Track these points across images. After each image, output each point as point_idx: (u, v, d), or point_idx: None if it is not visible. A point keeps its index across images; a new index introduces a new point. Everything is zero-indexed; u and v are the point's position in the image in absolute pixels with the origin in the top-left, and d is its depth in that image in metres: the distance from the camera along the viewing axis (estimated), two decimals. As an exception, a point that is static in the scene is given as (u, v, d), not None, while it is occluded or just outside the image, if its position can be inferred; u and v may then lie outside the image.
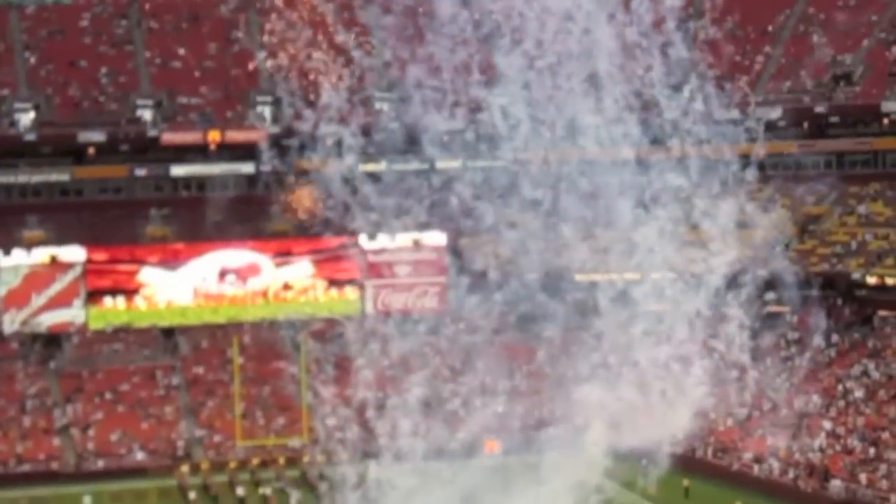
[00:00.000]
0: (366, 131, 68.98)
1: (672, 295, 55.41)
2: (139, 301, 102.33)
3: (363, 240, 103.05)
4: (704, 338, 54.79)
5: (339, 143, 62.02)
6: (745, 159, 54.89)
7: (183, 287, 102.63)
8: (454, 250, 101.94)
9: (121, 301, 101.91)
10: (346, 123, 65.62)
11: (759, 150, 60.50)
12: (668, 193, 55.23)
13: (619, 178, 53.87)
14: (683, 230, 61.38)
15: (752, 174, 57.43)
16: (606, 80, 51.13)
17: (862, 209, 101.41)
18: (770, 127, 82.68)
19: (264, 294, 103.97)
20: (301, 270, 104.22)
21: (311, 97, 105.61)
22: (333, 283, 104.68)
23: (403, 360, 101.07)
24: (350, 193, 62.39)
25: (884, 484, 74.93)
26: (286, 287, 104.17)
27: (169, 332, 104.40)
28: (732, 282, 52.83)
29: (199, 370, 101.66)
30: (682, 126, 56.70)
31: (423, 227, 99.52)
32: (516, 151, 58.91)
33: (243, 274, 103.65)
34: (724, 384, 73.27)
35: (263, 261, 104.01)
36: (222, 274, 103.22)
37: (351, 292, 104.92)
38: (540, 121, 52.99)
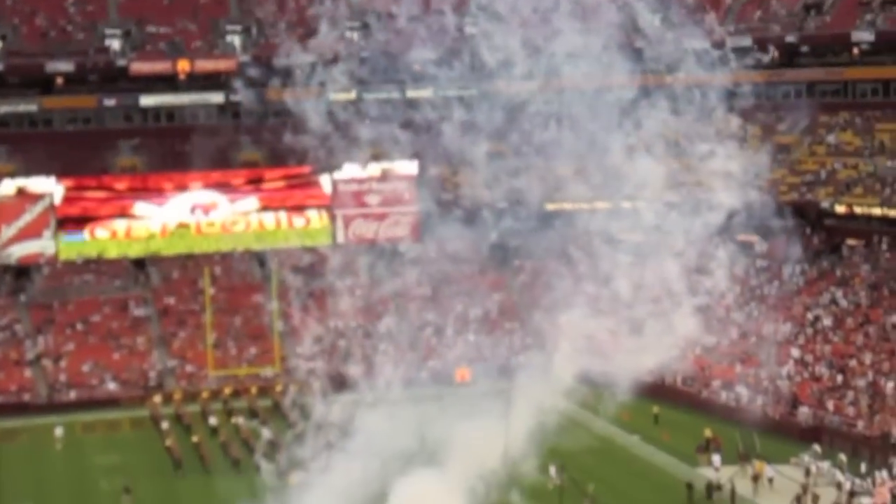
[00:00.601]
0: (337, 60, 68.58)
1: (645, 224, 55.61)
2: (109, 232, 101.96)
3: (333, 169, 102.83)
4: (677, 267, 54.99)
5: (309, 72, 61.77)
6: (716, 89, 54.89)
7: (154, 218, 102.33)
8: (426, 180, 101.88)
9: (91, 232, 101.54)
10: (318, 52, 65.44)
11: (730, 80, 60.49)
12: (641, 123, 55.31)
13: (593, 108, 53.87)
14: (659, 159, 61.52)
15: (722, 104, 57.48)
16: (584, 10, 51.05)
17: (832, 139, 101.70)
18: (741, 56, 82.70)
19: (235, 224, 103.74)
20: (272, 200, 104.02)
21: (282, 26, 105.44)
22: (304, 212, 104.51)
23: (375, 290, 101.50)
24: (320, 122, 62.16)
25: (851, 411, 75.66)
26: (257, 217, 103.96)
27: (140, 263, 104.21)
28: (705, 211, 52.95)
29: (171, 301, 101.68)
30: (657, 56, 56.77)
31: (394, 156, 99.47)
32: (491, 81, 58.87)
33: (214, 205, 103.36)
34: (696, 313, 73.59)
35: (234, 191, 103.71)
36: (193, 205, 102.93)
37: (321, 221, 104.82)
38: (515, 50, 52.85)
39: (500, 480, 47.73)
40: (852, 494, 62.94)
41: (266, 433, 75.63)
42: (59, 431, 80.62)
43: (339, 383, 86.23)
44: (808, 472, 67.09)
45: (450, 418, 48.04)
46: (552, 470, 66.51)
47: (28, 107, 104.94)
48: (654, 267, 59.89)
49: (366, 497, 46.38)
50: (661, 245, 56.14)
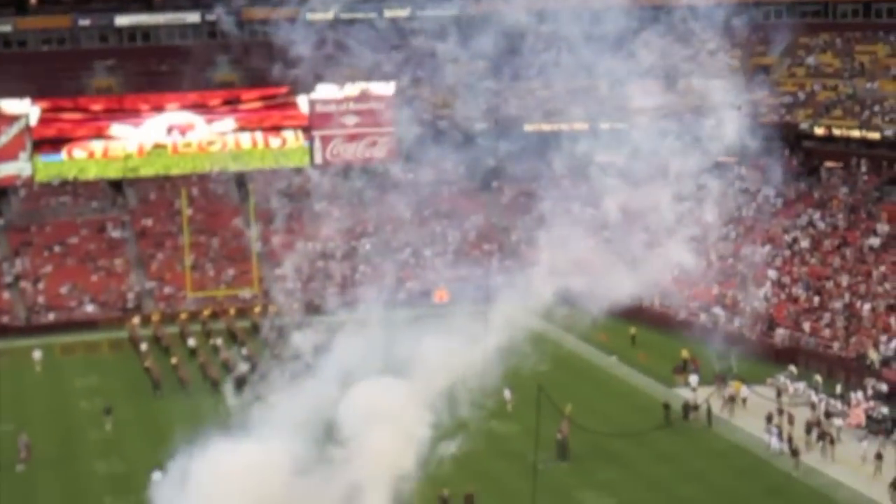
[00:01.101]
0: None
1: (625, 145, 55.57)
2: (87, 153, 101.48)
3: (310, 89, 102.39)
4: (655, 187, 54.98)
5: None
6: (701, 12, 54.67)
7: (130, 139, 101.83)
8: (404, 100, 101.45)
9: (68, 153, 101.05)
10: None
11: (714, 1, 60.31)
12: (619, 43, 55.10)
13: (565, 25, 53.59)
14: (637, 79, 61.40)
15: (708, 26, 57.34)
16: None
17: (811, 60, 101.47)
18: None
19: (211, 144, 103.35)
20: (248, 121, 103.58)
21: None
22: (280, 132, 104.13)
23: (353, 211, 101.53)
24: (297, 42, 61.75)
25: (827, 332, 76.03)
26: (233, 138, 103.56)
27: (117, 185, 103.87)
28: (685, 131, 52.88)
29: (148, 222, 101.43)
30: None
31: (371, 76, 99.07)
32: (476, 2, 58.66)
33: (191, 126, 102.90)
34: (673, 233, 73.66)
35: (211, 112, 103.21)
36: (170, 125, 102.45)
37: (297, 141, 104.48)
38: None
39: (466, 399, 47.97)
40: (828, 415, 63.37)
41: (242, 367, 75.47)
42: (37, 354, 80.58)
43: (318, 305, 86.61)
44: (779, 393, 67.53)
45: (424, 337, 48.23)
46: (507, 393, 66.87)
47: (2, 27, 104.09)
48: (638, 190, 59.94)
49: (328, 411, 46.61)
50: (646, 169, 56.13)
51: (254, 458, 44.27)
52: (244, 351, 76.79)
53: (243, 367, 73.35)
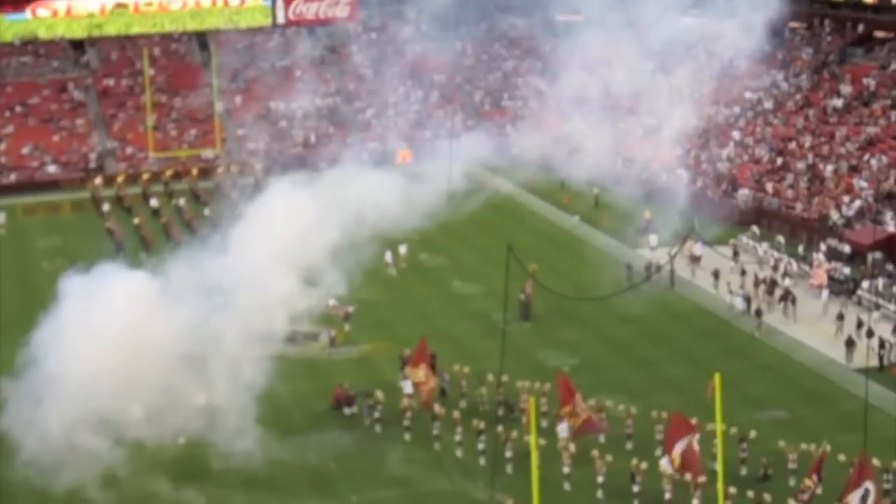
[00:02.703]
0: None
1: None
2: (50, 11, 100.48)
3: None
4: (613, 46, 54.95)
5: None
6: None
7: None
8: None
9: (33, 11, 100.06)
10: None
11: None
12: None
13: None
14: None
15: None
16: None
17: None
18: None
19: (172, 2, 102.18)
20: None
21: None
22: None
23: (315, 71, 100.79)
24: None
25: (789, 193, 76.33)
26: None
27: (78, 44, 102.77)
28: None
29: (110, 82, 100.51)
30: None
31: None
32: None
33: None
34: (636, 96, 73.58)
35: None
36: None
37: (258, 1, 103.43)
38: None
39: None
40: (786, 275, 63.93)
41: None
42: (0, 216, 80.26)
43: (280, 164, 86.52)
44: (735, 253, 67.90)
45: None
46: (387, 256, 67.15)
47: None
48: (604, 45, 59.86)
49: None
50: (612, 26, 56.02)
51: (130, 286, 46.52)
52: (206, 211, 76.70)
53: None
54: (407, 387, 50.26)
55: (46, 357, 45.15)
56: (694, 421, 42.30)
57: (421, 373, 50.00)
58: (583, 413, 45.79)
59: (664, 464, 42.65)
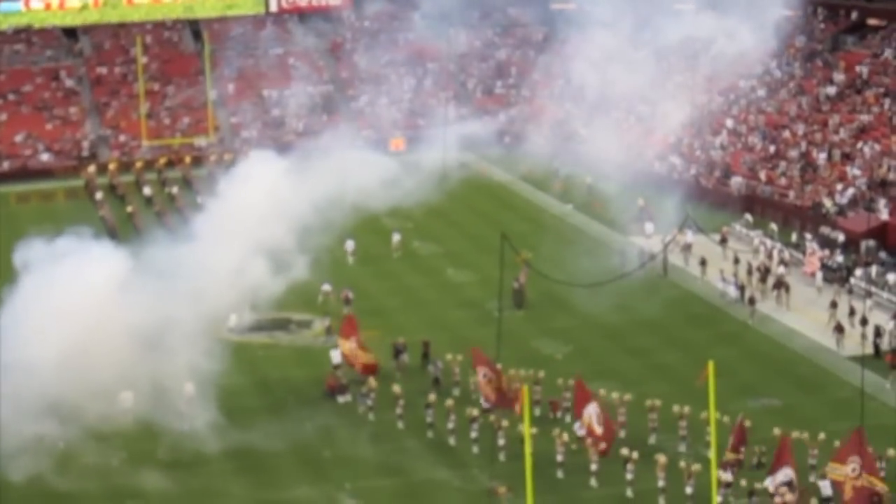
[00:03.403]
0: None
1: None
2: (43, 4, 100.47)
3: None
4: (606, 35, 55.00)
5: None
6: None
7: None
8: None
9: (26, 3, 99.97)
10: None
11: None
12: None
13: None
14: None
15: None
16: None
17: None
18: None
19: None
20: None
21: None
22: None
23: (308, 58, 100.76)
24: None
25: (782, 181, 76.34)
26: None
27: (71, 33, 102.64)
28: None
29: (103, 70, 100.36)
30: None
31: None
32: None
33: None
34: (630, 84, 73.52)
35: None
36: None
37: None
38: None
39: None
40: (783, 263, 63.94)
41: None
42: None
43: (274, 152, 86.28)
44: (723, 240, 67.77)
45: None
46: (348, 244, 67.21)
47: None
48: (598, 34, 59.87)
49: None
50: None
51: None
52: (199, 199, 76.65)
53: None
54: (335, 356, 51.12)
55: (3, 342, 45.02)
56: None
57: (349, 345, 51.41)
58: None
59: (576, 428, 44.61)
